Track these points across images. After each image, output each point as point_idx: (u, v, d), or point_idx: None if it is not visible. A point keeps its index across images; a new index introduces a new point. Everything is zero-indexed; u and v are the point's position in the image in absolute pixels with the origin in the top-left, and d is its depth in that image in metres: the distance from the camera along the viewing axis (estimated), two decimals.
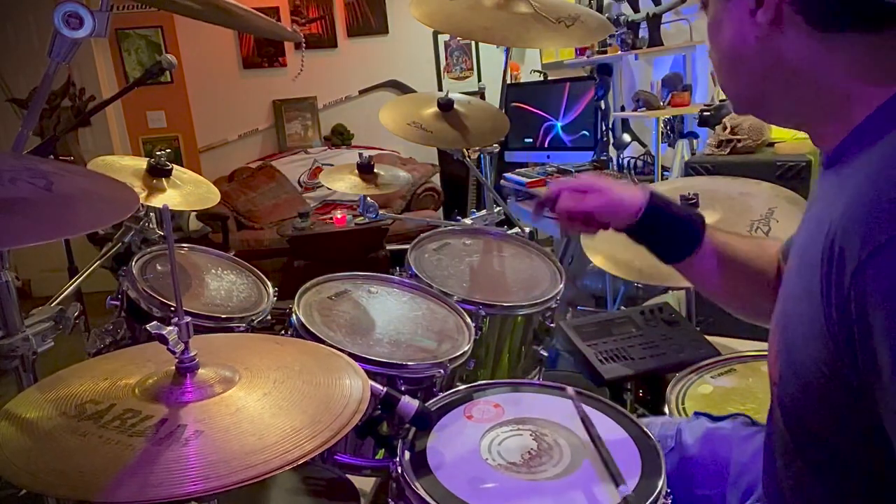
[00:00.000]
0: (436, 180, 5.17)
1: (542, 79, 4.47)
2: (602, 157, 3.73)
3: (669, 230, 0.99)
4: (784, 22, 0.66)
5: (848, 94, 0.66)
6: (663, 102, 3.18)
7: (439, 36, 5.49)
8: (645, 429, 1.00)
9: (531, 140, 3.86)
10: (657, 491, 0.87)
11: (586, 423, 0.98)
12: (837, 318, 0.57)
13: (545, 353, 1.64)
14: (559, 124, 3.73)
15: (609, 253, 1.61)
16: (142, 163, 1.71)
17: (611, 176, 3.21)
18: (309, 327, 1.27)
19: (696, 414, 1.12)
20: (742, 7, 0.69)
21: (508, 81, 3.77)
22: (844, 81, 0.66)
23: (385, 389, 1.01)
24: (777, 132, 2.42)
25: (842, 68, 0.65)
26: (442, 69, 5.57)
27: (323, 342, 1.21)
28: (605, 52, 3.76)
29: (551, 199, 1.04)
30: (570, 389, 1.08)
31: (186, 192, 1.74)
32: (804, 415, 0.66)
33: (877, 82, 0.64)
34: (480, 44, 5.43)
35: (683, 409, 1.24)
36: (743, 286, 0.99)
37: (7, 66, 4.52)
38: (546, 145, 3.81)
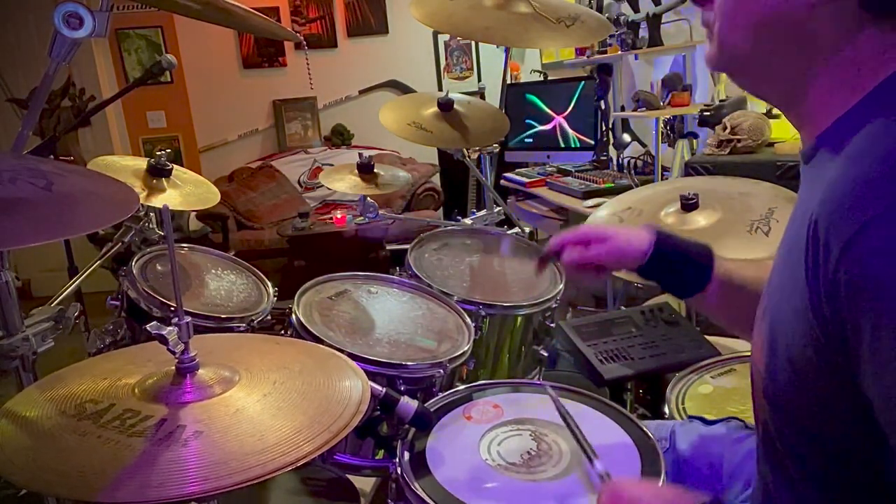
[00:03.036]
0: (436, 180, 5.17)
1: (542, 79, 4.47)
2: (602, 157, 3.74)
3: (679, 268, 0.98)
4: None
5: (856, 75, 0.63)
6: (663, 102, 3.18)
7: (439, 36, 5.49)
8: (644, 429, 1.00)
9: (531, 140, 3.86)
10: None
11: (557, 405, 0.99)
12: (826, 300, 0.57)
13: (545, 353, 1.64)
14: (559, 123, 3.73)
15: None
16: (142, 163, 1.71)
17: (611, 176, 3.21)
18: (308, 327, 1.27)
19: (690, 417, 1.12)
20: None
21: (508, 81, 3.76)
22: (859, 58, 0.63)
23: (385, 390, 1.01)
24: (777, 132, 2.42)
25: (863, 44, 0.62)
26: (442, 69, 5.57)
27: (322, 342, 1.21)
28: (605, 52, 3.75)
29: (555, 253, 1.04)
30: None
31: (186, 192, 1.74)
32: (790, 402, 0.66)
33: (884, 67, 0.62)
34: (480, 44, 5.43)
35: (683, 408, 1.24)
36: (750, 312, 0.99)
37: (7, 66, 4.52)
38: (546, 145, 3.81)
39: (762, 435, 0.74)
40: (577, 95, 3.64)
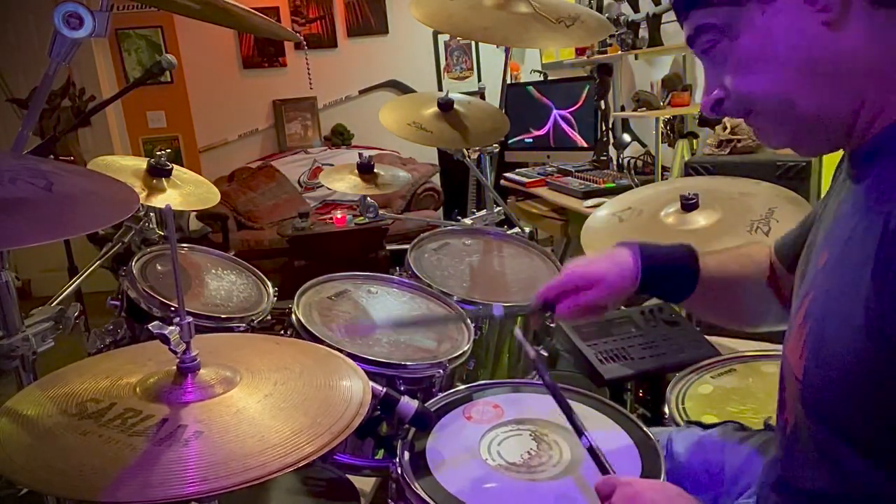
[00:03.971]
0: (436, 180, 5.17)
1: (542, 79, 4.47)
2: (602, 157, 3.73)
3: (668, 279, 1.01)
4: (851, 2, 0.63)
5: (880, 75, 0.64)
6: (663, 102, 3.18)
7: (439, 36, 5.49)
8: (644, 429, 1.00)
9: (531, 140, 3.86)
10: None
11: (543, 378, 0.95)
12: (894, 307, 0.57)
13: (545, 353, 1.64)
14: (559, 123, 3.73)
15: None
16: (142, 163, 1.71)
17: (611, 176, 3.21)
18: (308, 327, 1.27)
19: (687, 423, 1.12)
20: (794, 1, 0.65)
21: (508, 81, 3.76)
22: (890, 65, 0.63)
23: (385, 390, 1.01)
24: None
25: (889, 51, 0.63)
26: (442, 69, 5.57)
27: (322, 342, 1.21)
28: (605, 52, 3.75)
29: (543, 306, 1.03)
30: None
31: (186, 192, 1.74)
32: (832, 410, 0.65)
33: None
34: (480, 44, 5.43)
35: (683, 409, 1.24)
36: (742, 300, 1.02)
37: (7, 66, 4.52)
38: (545, 145, 3.81)
39: (789, 438, 0.74)
40: (576, 96, 3.65)
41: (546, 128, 3.79)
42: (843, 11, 0.63)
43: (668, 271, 1.00)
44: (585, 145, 3.64)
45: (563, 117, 3.73)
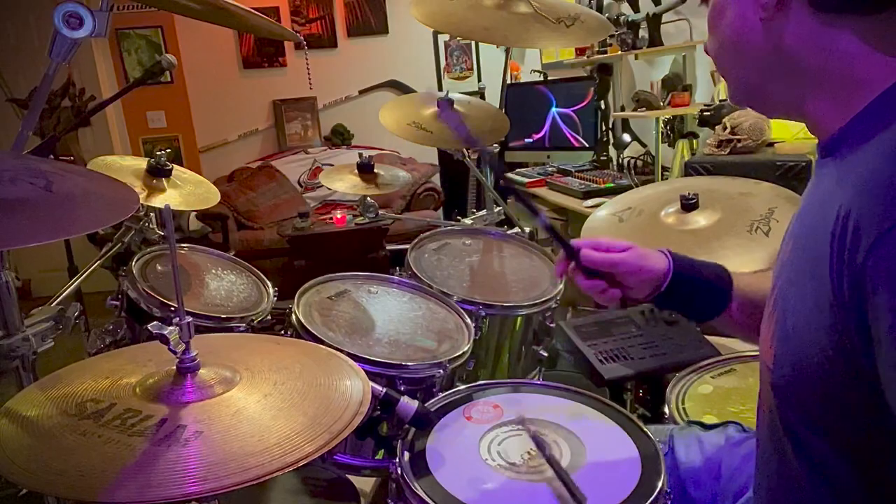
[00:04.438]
0: (436, 180, 5.17)
1: (542, 79, 4.47)
2: (602, 157, 3.73)
3: (698, 295, 0.95)
4: (788, 3, 0.67)
5: (849, 78, 0.66)
6: (663, 102, 3.17)
7: (439, 36, 5.49)
8: (644, 429, 1.00)
9: (531, 140, 3.86)
10: (657, 490, 0.87)
11: (538, 442, 0.95)
12: (849, 295, 0.57)
13: (545, 353, 1.64)
14: (558, 123, 3.73)
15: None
16: (142, 163, 1.71)
17: (611, 176, 3.21)
18: (308, 327, 1.27)
19: (689, 423, 1.12)
20: None
21: (508, 81, 3.76)
22: (846, 64, 0.66)
23: (385, 390, 1.01)
24: (777, 132, 2.42)
25: (843, 50, 0.65)
26: (442, 69, 5.57)
27: (322, 342, 1.21)
28: (605, 52, 3.75)
29: (574, 253, 0.97)
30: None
31: (186, 192, 1.74)
32: (801, 398, 0.66)
33: (878, 65, 0.64)
34: (480, 44, 5.42)
35: (683, 409, 1.24)
36: None
37: (7, 66, 4.52)
38: (546, 145, 3.81)
39: (767, 430, 0.74)
40: (576, 95, 3.65)
41: (545, 128, 3.79)
42: (778, 12, 0.68)
43: (697, 284, 0.95)
44: (585, 145, 3.64)
45: (562, 117, 3.73)
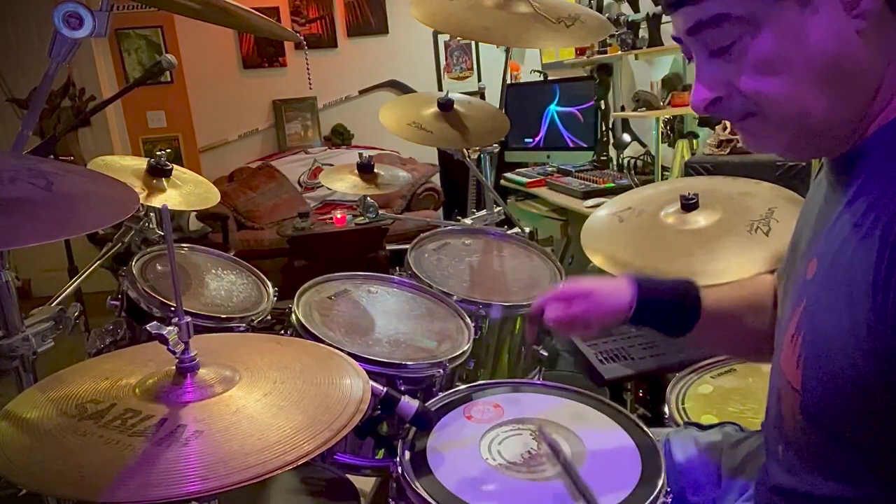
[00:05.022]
0: (436, 180, 5.17)
1: (542, 79, 4.47)
2: (602, 157, 3.73)
3: (665, 314, 0.98)
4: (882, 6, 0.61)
5: (880, 86, 0.64)
6: (663, 102, 3.18)
7: (439, 36, 5.49)
8: (644, 428, 1.00)
9: (531, 140, 3.86)
10: (657, 490, 0.87)
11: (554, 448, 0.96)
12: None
13: (545, 353, 1.64)
14: (558, 123, 3.73)
15: (609, 252, 1.61)
16: (142, 163, 1.71)
17: (611, 176, 3.21)
18: (308, 327, 1.27)
19: (686, 424, 1.12)
20: (833, 4, 0.62)
21: (508, 81, 3.76)
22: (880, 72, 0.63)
23: (385, 389, 1.01)
24: None
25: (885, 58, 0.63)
26: (442, 69, 5.56)
27: (322, 342, 1.21)
28: (605, 52, 3.75)
29: (539, 313, 1.02)
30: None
31: (186, 192, 1.74)
32: (834, 420, 0.65)
33: None
34: (480, 44, 5.42)
35: (683, 409, 1.24)
36: (742, 336, 0.99)
37: (7, 66, 4.52)
38: (546, 145, 3.82)
39: (787, 446, 0.74)
40: (577, 95, 3.65)
41: (545, 128, 3.79)
42: (875, 23, 0.62)
43: (663, 305, 0.97)
44: (585, 145, 3.64)
45: (562, 117, 3.73)
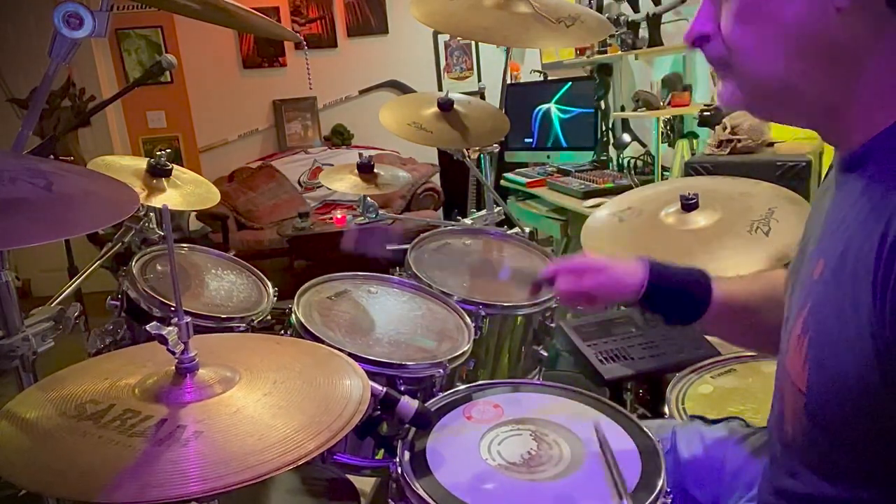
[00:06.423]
0: (436, 180, 5.17)
1: (542, 79, 4.47)
2: (602, 157, 3.74)
3: (676, 300, 0.98)
4: None
5: (862, 73, 0.63)
6: (663, 102, 3.18)
7: (439, 36, 5.49)
8: (644, 428, 1.00)
9: (531, 140, 3.86)
10: (657, 490, 0.87)
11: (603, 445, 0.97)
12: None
13: (545, 353, 1.64)
14: (558, 123, 3.73)
15: (609, 252, 1.61)
16: (142, 163, 1.71)
17: (611, 176, 3.21)
18: (308, 327, 1.27)
19: (692, 417, 1.12)
20: None
21: (508, 81, 3.76)
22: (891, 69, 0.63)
23: (385, 389, 1.01)
24: (777, 132, 2.42)
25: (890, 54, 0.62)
26: (442, 69, 5.57)
27: (322, 342, 1.21)
28: (605, 52, 3.75)
29: (548, 280, 1.04)
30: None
31: (186, 192, 1.74)
32: (837, 422, 0.65)
33: None
34: (480, 44, 5.42)
35: (683, 409, 1.24)
36: (757, 329, 0.98)
37: (7, 66, 4.52)
38: (545, 145, 3.81)
39: (791, 447, 0.74)
40: (576, 95, 3.64)
41: (545, 128, 3.79)
42: (857, 4, 0.61)
43: (675, 290, 0.98)
44: (585, 145, 3.64)
45: (562, 117, 3.73)
